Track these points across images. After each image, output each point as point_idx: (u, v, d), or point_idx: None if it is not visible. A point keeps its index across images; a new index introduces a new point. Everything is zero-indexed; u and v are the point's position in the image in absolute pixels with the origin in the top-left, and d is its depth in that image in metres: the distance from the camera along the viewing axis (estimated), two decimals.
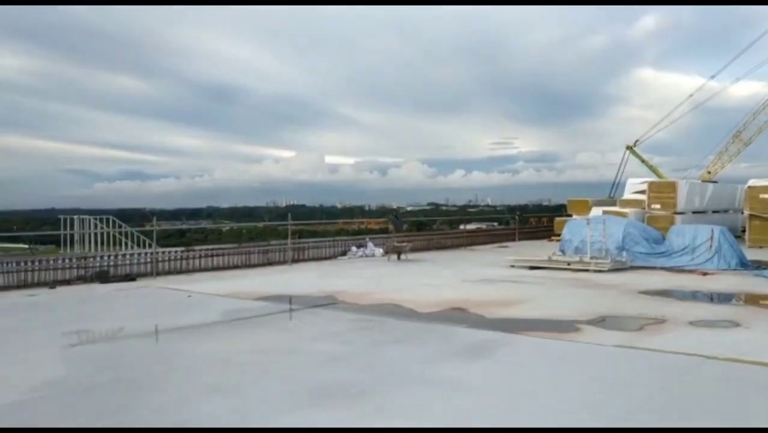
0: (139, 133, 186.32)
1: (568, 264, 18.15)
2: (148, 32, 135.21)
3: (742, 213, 29.36)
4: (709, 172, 40.06)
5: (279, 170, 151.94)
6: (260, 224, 37.48)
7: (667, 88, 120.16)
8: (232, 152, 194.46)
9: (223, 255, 20.01)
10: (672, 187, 27.29)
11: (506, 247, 28.05)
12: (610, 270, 17.30)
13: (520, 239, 31.91)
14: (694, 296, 13.39)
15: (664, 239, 19.90)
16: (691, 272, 17.31)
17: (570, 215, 31.65)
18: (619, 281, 15.58)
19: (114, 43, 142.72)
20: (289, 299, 12.97)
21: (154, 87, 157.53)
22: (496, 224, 38.42)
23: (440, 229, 33.36)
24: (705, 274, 16.76)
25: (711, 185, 30.04)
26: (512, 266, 19.11)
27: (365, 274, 17.66)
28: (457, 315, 11.05)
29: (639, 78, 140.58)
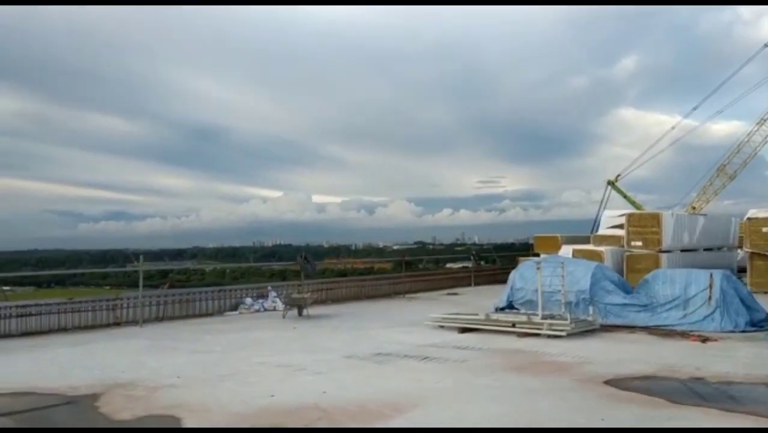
0: (124, 173, 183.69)
1: (513, 325, 12.94)
2: (133, 73, 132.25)
3: (740, 251, 24.46)
4: (694, 208, 36.19)
5: (266, 210, 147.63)
6: (244, 265, 33.99)
7: (648, 127, 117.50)
8: (218, 192, 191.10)
9: (41, 314, 14.56)
10: (655, 219, 22.10)
11: (456, 294, 22.81)
12: (570, 334, 12.14)
13: (476, 284, 26.62)
14: (696, 393, 8.00)
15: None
16: (683, 335, 12.25)
17: (537, 254, 26.48)
18: (580, 355, 10.43)
19: (99, 83, 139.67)
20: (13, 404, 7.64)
21: (139, 127, 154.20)
22: (482, 262, 33.64)
23: (426, 267, 30.18)
24: (705, 340, 11.67)
25: (701, 218, 24.90)
26: (441, 327, 13.93)
27: (219, 343, 12.30)
28: None
29: (621, 117, 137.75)
